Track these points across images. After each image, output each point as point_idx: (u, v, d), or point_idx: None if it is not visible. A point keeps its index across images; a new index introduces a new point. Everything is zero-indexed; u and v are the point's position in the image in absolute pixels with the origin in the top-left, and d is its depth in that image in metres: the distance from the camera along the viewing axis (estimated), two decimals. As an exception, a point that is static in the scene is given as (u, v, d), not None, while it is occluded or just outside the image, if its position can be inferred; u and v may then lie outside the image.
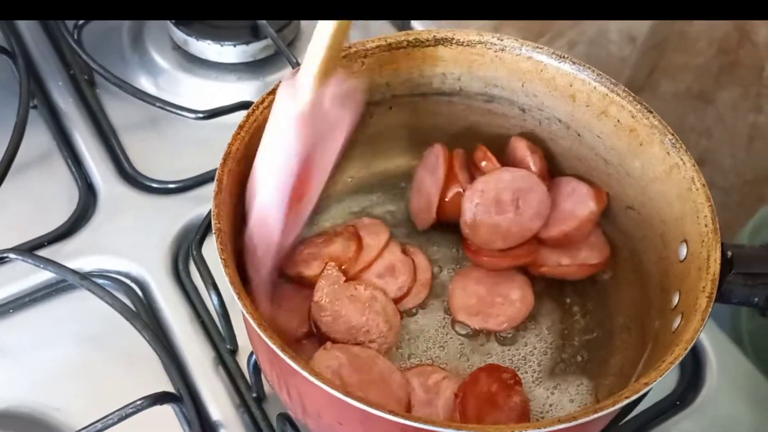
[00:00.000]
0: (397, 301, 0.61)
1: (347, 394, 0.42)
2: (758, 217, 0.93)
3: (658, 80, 1.29)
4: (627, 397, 0.46)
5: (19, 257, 0.64)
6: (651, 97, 1.31)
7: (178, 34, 0.80)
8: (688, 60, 1.22)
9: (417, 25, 0.86)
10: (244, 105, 0.74)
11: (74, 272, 0.64)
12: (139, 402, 0.57)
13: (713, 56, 1.20)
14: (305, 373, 0.42)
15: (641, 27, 1.23)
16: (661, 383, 0.47)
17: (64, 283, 0.66)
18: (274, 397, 0.62)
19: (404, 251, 0.63)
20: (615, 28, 1.24)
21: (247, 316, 0.44)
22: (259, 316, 0.45)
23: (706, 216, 0.53)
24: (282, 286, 0.59)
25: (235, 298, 0.45)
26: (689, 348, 0.48)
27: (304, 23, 0.84)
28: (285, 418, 0.58)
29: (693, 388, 0.66)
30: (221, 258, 0.47)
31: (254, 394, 0.61)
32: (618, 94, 0.59)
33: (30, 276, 0.66)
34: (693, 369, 0.67)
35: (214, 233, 0.49)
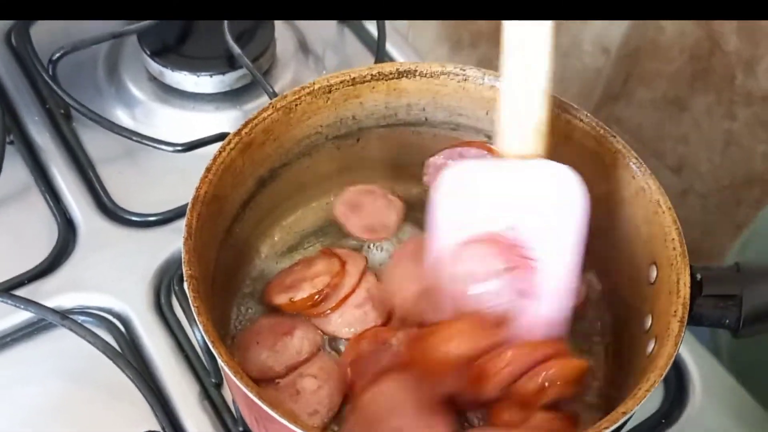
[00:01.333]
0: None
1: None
2: (747, 234, 0.93)
3: (633, 88, 1.30)
4: (606, 428, 0.46)
5: (-1, 298, 0.64)
6: (627, 104, 1.32)
7: (154, 66, 0.80)
8: (662, 67, 1.23)
9: (392, 49, 0.87)
10: (222, 136, 0.73)
11: (54, 312, 0.63)
12: (123, 442, 0.57)
13: (686, 63, 1.21)
14: (284, 421, 0.42)
15: (614, 37, 1.24)
16: (646, 401, 0.47)
17: (46, 321, 0.66)
18: (259, 430, 0.62)
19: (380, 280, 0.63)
20: (588, 39, 1.25)
21: (222, 364, 0.45)
22: (235, 364, 0.45)
23: (674, 239, 0.54)
24: (258, 322, 0.59)
25: (210, 347, 0.45)
26: (664, 374, 0.48)
27: (279, 51, 0.85)
28: (270, 451, 0.59)
29: (678, 406, 0.66)
30: (194, 306, 0.47)
31: (240, 428, 0.61)
32: (581, 120, 0.59)
33: (10, 316, 0.66)
34: (677, 386, 0.67)
35: (186, 281, 0.48)
